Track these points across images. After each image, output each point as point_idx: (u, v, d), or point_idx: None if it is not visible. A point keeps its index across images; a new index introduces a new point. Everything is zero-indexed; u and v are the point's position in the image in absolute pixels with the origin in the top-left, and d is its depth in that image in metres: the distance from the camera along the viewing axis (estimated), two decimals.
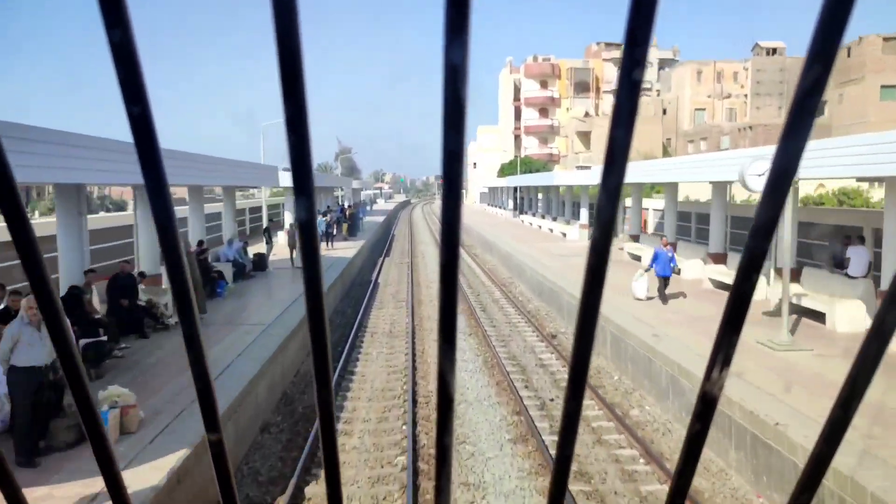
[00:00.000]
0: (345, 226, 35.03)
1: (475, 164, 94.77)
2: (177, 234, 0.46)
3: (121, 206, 51.98)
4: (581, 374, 0.47)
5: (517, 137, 78.02)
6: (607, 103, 71.19)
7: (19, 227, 0.43)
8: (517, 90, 78.35)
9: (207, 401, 0.49)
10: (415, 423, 9.91)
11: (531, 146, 74.53)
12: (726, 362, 0.47)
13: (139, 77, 0.41)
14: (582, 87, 74.10)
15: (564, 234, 32.73)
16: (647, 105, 64.20)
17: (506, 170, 65.92)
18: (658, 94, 72.00)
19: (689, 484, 0.52)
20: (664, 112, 68.40)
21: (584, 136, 67.07)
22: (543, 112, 75.96)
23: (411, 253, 33.61)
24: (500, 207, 62.67)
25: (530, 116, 76.46)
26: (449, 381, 0.46)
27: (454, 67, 0.40)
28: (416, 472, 8.29)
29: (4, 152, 0.42)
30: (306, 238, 0.44)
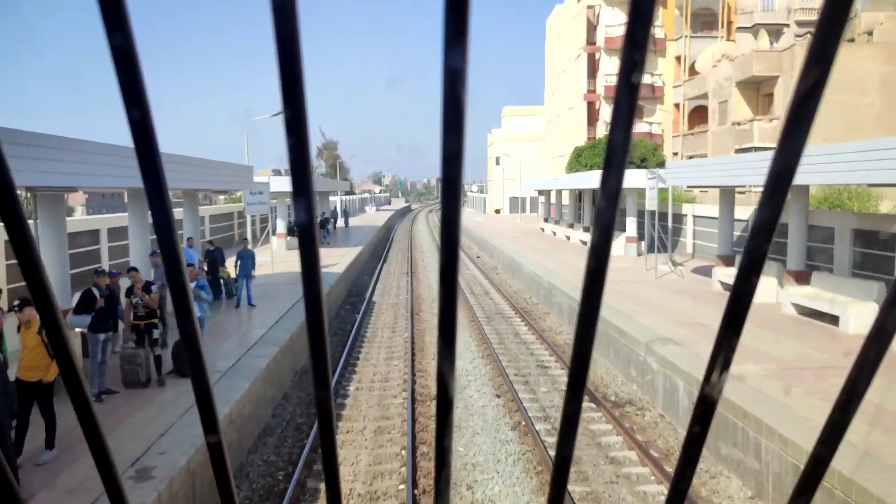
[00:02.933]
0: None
1: (498, 158, 66.53)
2: (175, 235, 0.46)
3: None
4: (581, 376, 0.47)
5: (591, 105, 47.64)
6: (744, 44, 39.29)
7: (17, 228, 0.43)
8: (591, 29, 47.28)
9: (206, 403, 0.49)
10: None
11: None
12: (726, 365, 0.47)
13: (140, 81, 0.42)
14: (703, 21, 43.00)
15: None
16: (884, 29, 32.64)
17: (586, 156, 37.21)
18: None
19: (688, 486, 0.52)
20: None
21: (752, 91, 33.58)
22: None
23: None
24: (571, 226, 34.29)
25: (614, 69, 42.07)
26: (448, 384, 0.47)
27: (453, 71, 0.40)
28: None
29: (4, 155, 0.42)
30: (305, 239, 0.45)
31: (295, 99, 0.42)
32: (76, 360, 0.47)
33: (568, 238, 32.66)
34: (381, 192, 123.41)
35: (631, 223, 25.17)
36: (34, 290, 0.45)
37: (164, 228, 0.45)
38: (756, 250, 0.44)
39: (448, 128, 0.41)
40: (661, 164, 29.62)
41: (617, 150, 0.43)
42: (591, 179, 27.82)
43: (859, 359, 0.44)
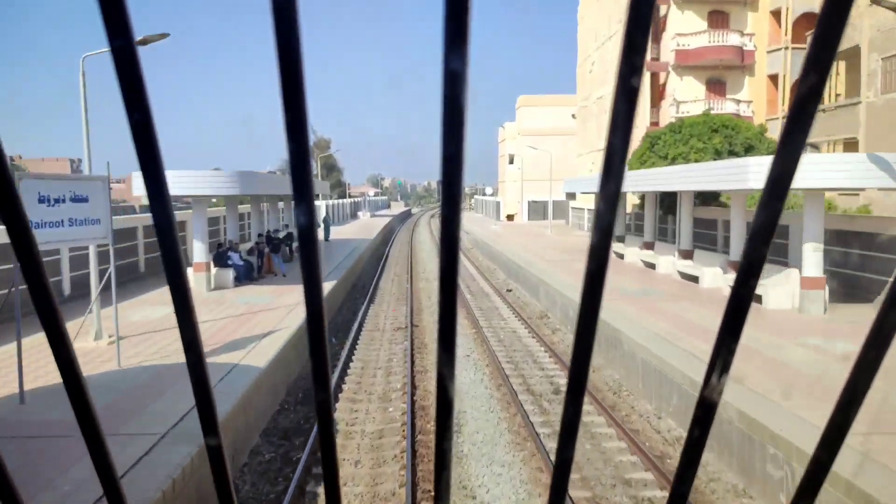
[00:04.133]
0: None
1: (512, 157, 56.64)
2: (176, 238, 0.46)
3: None
4: (580, 380, 0.47)
5: (654, 78, 34.52)
6: None
7: (18, 228, 0.43)
8: None
9: (206, 405, 0.49)
10: None
11: (688, 92, 32.91)
12: (725, 368, 0.47)
13: (141, 84, 0.42)
14: None
15: None
16: None
17: (665, 145, 24.73)
18: None
19: (689, 489, 0.52)
20: None
21: None
22: (718, 18, 32.77)
23: None
24: (652, 246, 23.18)
25: (690, 27, 32.50)
26: (448, 387, 0.47)
27: (454, 74, 0.40)
28: None
29: (4, 156, 0.42)
30: (306, 242, 0.45)
31: (296, 102, 0.42)
32: (76, 361, 0.47)
33: (652, 266, 21.11)
34: (375, 194, 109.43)
35: (811, 253, 13.82)
36: (34, 290, 0.45)
37: (165, 228, 0.45)
38: (755, 254, 0.44)
39: (448, 130, 0.41)
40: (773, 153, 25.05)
41: (616, 154, 0.43)
42: (709, 174, 16.19)
43: (859, 360, 0.44)
